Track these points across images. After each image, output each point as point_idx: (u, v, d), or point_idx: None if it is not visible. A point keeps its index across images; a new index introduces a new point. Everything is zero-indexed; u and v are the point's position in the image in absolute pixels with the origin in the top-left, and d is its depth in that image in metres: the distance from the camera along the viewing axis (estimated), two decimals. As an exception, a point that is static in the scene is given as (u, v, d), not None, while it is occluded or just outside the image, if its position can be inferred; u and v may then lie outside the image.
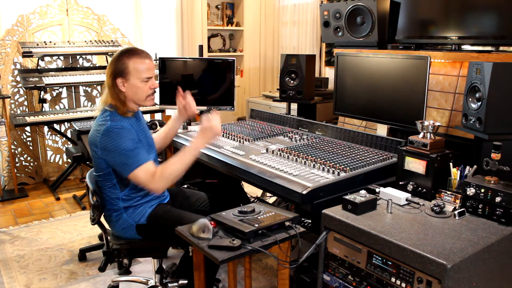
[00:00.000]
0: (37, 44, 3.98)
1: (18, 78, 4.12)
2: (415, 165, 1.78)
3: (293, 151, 2.17)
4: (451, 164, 1.78)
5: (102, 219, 2.09)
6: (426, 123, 1.82)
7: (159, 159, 2.44)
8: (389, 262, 1.45)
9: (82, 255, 2.87)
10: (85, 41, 4.29)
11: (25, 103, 4.22)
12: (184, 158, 1.94)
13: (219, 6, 5.58)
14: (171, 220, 1.97)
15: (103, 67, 4.45)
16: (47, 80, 3.96)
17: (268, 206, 1.83)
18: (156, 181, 1.88)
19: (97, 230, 3.15)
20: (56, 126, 4.30)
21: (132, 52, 1.98)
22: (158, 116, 4.59)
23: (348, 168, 1.88)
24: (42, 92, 4.06)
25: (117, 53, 1.99)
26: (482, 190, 1.58)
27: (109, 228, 2.13)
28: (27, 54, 3.81)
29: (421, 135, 1.83)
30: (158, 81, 2.70)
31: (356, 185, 1.84)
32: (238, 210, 1.74)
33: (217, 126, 2.01)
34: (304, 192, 1.69)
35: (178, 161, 1.93)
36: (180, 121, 2.42)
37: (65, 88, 4.36)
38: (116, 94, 1.97)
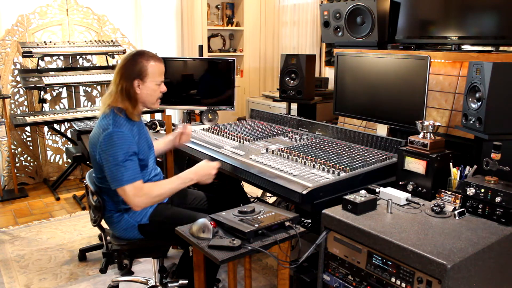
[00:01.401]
0: (37, 44, 3.98)
1: (18, 78, 4.12)
2: (415, 165, 1.78)
3: (293, 151, 2.17)
4: (451, 164, 1.78)
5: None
6: (426, 123, 1.82)
7: (158, 159, 2.43)
8: (389, 262, 1.45)
9: (82, 255, 2.87)
10: (85, 41, 4.29)
11: (25, 103, 4.22)
12: (174, 185, 2.00)
13: (219, 6, 5.58)
14: (173, 219, 1.98)
15: (103, 67, 4.45)
16: (47, 80, 3.96)
17: (268, 206, 1.83)
18: (140, 197, 1.89)
19: (97, 230, 3.13)
20: (56, 126, 4.30)
21: (148, 55, 1.98)
22: (158, 116, 4.59)
23: (348, 168, 1.88)
24: (42, 92, 4.06)
25: (130, 55, 1.97)
26: (482, 190, 1.58)
27: (108, 229, 2.13)
28: (27, 54, 3.81)
29: (421, 135, 1.83)
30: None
31: (356, 185, 1.84)
32: (238, 210, 1.75)
33: (210, 171, 2.06)
34: (304, 192, 1.69)
35: (167, 185, 1.99)
36: (167, 147, 2.43)
37: (65, 88, 4.36)
38: (130, 96, 1.94)
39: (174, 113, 5.16)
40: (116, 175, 1.86)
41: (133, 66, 1.94)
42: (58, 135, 4.43)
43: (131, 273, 2.66)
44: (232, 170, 2.11)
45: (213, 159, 2.24)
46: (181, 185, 2.01)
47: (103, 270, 2.21)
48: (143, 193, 1.89)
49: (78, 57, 4.37)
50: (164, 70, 2.04)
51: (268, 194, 3.31)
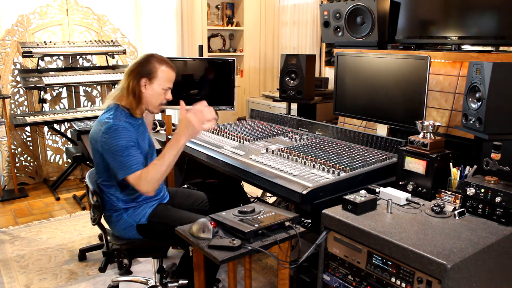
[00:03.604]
0: (37, 44, 3.98)
1: (18, 78, 4.12)
2: (415, 165, 1.78)
3: (293, 151, 2.17)
4: (451, 164, 1.78)
5: (102, 220, 2.09)
6: (426, 123, 1.82)
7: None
8: (389, 262, 1.45)
9: (82, 255, 2.87)
10: (85, 41, 4.29)
11: (25, 103, 4.22)
12: (165, 158, 1.87)
13: (219, 6, 5.58)
14: (171, 220, 1.98)
15: (103, 67, 4.45)
16: (47, 80, 3.96)
17: (268, 206, 1.83)
18: (144, 184, 1.86)
19: (97, 230, 3.15)
20: (56, 126, 4.30)
21: (162, 59, 2.03)
22: (158, 116, 4.59)
23: (348, 168, 1.88)
24: (42, 92, 4.06)
25: (145, 55, 2.03)
26: (482, 190, 1.58)
27: (108, 228, 2.14)
28: (27, 54, 3.81)
29: (421, 135, 1.83)
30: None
31: (356, 185, 1.84)
32: (238, 210, 1.75)
33: (196, 118, 1.84)
34: (304, 192, 1.69)
35: (162, 159, 1.88)
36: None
37: (65, 88, 4.36)
38: (134, 94, 1.98)
39: (174, 113, 5.16)
40: (120, 165, 1.88)
41: (144, 65, 1.99)
42: (58, 135, 4.43)
43: (129, 272, 2.66)
44: (232, 170, 2.11)
45: (213, 159, 2.24)
46: (174, 150, 1.87)
47: (102, 269, 2.21)
48: (144, 181, 1.86)
49: (78, 57, 4.37)
50: (173, 79, 2.05)
51: (268, 194, 3.31)
